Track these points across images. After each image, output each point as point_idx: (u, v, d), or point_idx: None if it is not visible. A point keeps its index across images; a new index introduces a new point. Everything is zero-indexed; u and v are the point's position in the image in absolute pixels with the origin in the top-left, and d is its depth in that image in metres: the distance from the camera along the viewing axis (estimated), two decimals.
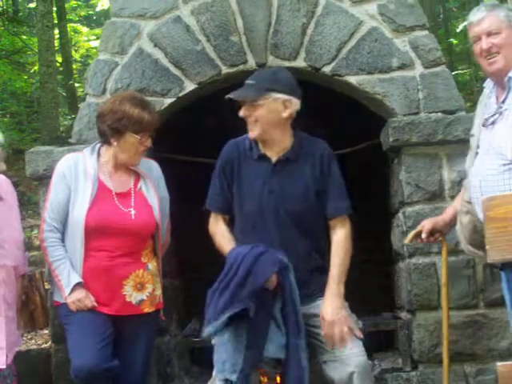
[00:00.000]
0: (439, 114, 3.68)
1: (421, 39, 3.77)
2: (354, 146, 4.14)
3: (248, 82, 2.83)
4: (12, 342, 2.92)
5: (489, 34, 2.72)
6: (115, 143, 2.96)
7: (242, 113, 2.79)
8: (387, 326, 3.98)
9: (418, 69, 3.77)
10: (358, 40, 3.76)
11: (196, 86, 3.77)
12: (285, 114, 2.78)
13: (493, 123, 2.70)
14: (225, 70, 3.77)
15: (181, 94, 3.77)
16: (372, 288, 4.54)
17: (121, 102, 2.96)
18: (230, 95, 2.78)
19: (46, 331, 4.64)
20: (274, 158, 2.84)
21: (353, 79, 3.76)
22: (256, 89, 2.78)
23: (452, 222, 2.99)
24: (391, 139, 3.65)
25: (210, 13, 3.79)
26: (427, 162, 3.64)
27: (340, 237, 2.84)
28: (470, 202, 2.76)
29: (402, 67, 3.75)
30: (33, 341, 4.72)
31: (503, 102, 2.69)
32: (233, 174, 2.88)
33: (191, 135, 4.54)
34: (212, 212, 2.97)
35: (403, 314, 3.84)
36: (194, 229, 4.30)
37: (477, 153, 2.76)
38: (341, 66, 3.76)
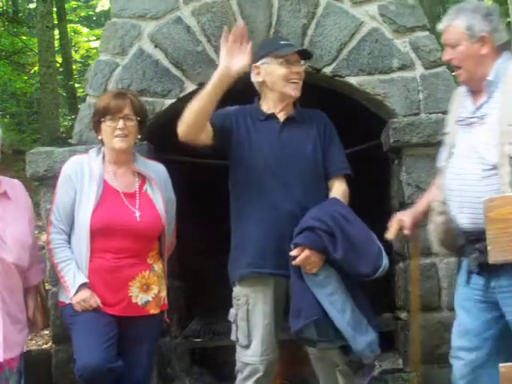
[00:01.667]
0: (440, 114, 3.67)
1: (421, 40, 3.77)
2: (355, 146, 4.14)
3: (290, 42, 3.05)
4: (13, 341, 2.86)
5: (449, 46, 2.67)
6: (100, 137, 3.05)
7: (299, 68, 2.94)
8: (388, 326, 3.98)
9: (419, 69, 3.77)
10: (358, 41, 3.76)
11: (197, 86, 3.77)
12: None
13: (470, 125, 2.64)
14: None
15: (181, 95, 3.77)
16: (372, 289, 4.53)
17: (96, 101, 3.09)
18: (300, 48, 3.03)
19: (46, 332, 4.64)
20: (282, 117, 2.98)
21: (353, 80, 3.76)
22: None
23: (427, 213, 2.94)
24: (392, 140, 3.66)
25: (211, 14, 3.78)
26: (428, 163, 3.64)
27: (338, 192, 2.96)
28: (444, 203, 2.72)
29: (402, 68, 3.75)
30: (33, 341, 4.72)
31: (482, 105, 2.63)
32: (239, 127, 2.96)
33: None
34: None
35: (403, 315, 3.84)
36: (195, 229, 4.32)
37: (452, 153, 2.72)
38: (341, 66, 3.76)
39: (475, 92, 2.70)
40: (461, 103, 2.77)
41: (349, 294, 2.76)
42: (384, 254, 2.80)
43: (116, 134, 2.97)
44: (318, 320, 2.73)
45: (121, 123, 2.97)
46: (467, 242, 2.62)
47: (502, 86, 2.57)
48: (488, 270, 2.54)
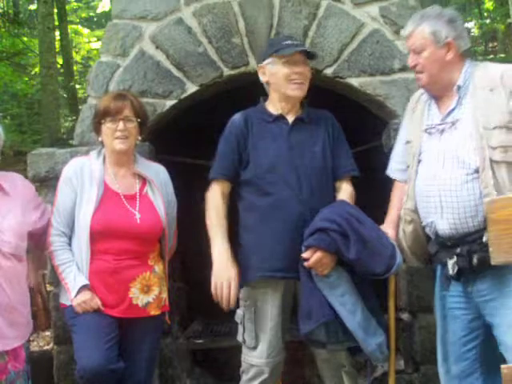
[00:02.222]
0: None
1: None
2: (356, 147, 4.14)
3: (295, 42, 3.03)
4: (5, 334, 2.78)
5: (414, 51, 2.68)
6: (100, 139, 3.06)
7: (300, 68, 2.92)
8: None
9: None
10: (359, 42, 3.76)
11: (198, 87, 3.78)
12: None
13: (441, 132, 2.64)
14: (226, 71, 3.77)
15: (182, 96, 3.77)
16: (373, 290, 4.53)
17: (96, 103, 3.11)
18: (302, 48, 2.97)
19: (47, 333, 4.65)
20: (290, 119, 2.97)
21: (354, 81, 3.76)
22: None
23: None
24: (393, 141, 3.65)
25: (212, 15, 3.79)
26: None
27: (345, 193, 2.97)
28: (413, 211, 2.73)
29: (403, 69, 3.74)
30: (35, 342, 4.72)
31: (452, 110, 2.63)
32: (246, 138, 2.95)
33: (194, 137, 4.54)
34: (213, 180, 2.98)
35: (405, 316, 3.84)
36: (195, 230, 4.32)
37: (419, 160, 2.71)
38: (342, 68, 3.76)
39: (438, 98, 2.70)
40: (424, 111, 2.76)
41: (359, 294, 2.76)
42: (398, 252, 2.78)
43: (116, 135, 2.98)
44: (328, 321, 2.73)
45: (121, 125, 2.97)
46: (442, 248, 2.62)
47: (472, 90, 2.59)
48: (466, 276, 2.55)
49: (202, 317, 4.57)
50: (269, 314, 2.87)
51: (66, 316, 3.03)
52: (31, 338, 4.66)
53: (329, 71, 3.77)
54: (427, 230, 2.70)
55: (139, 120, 3.04)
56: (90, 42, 15.72)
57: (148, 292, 2.99)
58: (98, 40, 14.03)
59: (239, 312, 2.96)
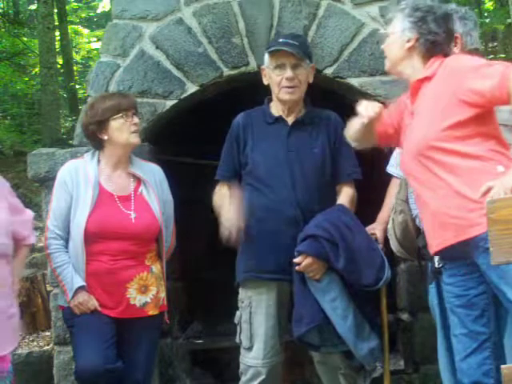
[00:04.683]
0: None
1: None
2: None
3: (289, 41, 2.94)
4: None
5: None
6: (106, 137, 3.00)
7: (289, 74, 2.85)
8: (389, 328, 3.97)
9: None
10: (359, 42, 3.75)
11: (198, 88, 3.77)
12: (310, 80, 3.01)
13: None
14: (227, 72, 3.77)
15: (183, 96, 3.77)
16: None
17: (95, 103, 3.08)
18: (284, 47, 2.85)
19: (47, 333, 4.64)
20: (290, 120, 2.95)
21: (355, 81, 3.76)
22: (301, 51, 2.91)
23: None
24: None
25: (212, 15, 3.78)
26: None
27: (345, 197, 2.97)
28: (405, 201, 2.75)
29: None
30: (34, 343, 4.71)
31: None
32: (246, 139, 2.96)
33: (194, 137, 4.53)
34: (219, 181, 3.06)
35: (405, 316, 3.84)
36: (196, 230, 4.32)
37: None
38: (343, 68, 3.76)
39: None
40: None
41: (351, 299, 2.76)
42: (387, 265, 2.80)
43: (133, 129, 3.00)
44: (321, 325, 2.74)
45: (136, 118, 3.02)
46: None
47: None
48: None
49: (202, 317, 4.57)
50: (264, 315, 2.88)
51: (65, 317, 3.04)
52: (31, 338, 4.66)
53: (329, 71, 3.76)
54: (417, 221, 2.71)
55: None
56: (90, 42, 15.71)
57: (145, 292, 2.99)
58: (98, 40, 14.02)
59: (237, 313, 2.98)
